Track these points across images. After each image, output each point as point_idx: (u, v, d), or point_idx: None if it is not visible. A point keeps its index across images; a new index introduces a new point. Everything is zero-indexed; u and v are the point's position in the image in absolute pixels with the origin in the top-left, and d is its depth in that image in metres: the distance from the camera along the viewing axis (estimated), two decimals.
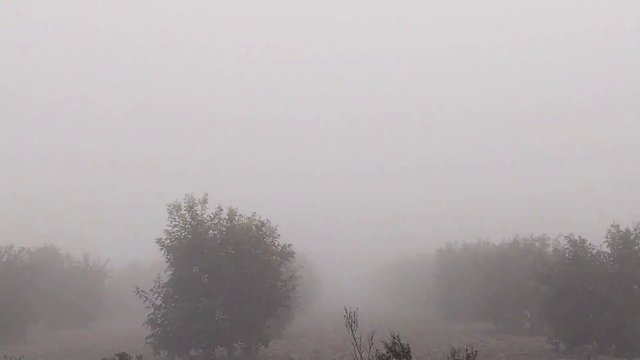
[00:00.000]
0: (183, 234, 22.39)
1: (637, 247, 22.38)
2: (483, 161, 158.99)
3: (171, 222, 22.42)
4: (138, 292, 22.22)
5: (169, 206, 22.37)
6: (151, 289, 22.42)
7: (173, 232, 22.46)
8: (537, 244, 31.12)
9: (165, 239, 22.44)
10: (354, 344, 13.58)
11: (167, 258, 22.70)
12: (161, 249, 22.56)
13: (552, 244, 27.38)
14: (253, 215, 23.34)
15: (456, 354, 9.88)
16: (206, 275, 21.66)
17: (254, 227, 23.00)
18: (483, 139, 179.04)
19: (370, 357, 11.84)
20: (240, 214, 23.19)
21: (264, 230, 23.19)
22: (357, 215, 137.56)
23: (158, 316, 22.03)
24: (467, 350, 10.11)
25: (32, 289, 31.95)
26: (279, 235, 23.67)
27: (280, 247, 23.39)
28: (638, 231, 22.45)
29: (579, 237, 23.18)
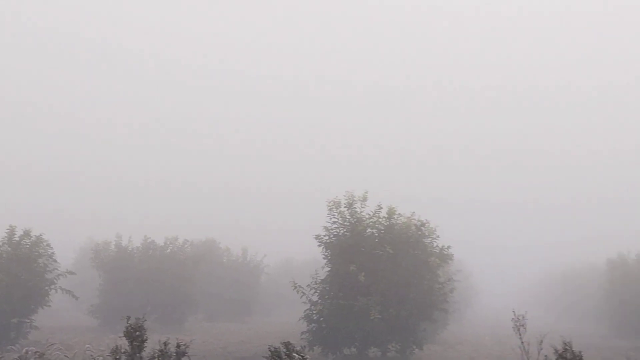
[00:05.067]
0: (342, 231, 22.14)
1: None
2: None
3: (330, 218, 22.26)
4: (295, 287, 22.22)
5: (328, 202, 22.25)
6: (308, 285, 22.40)
7: (332, 229, 22.26)
8: None
9: (324, 236, 22.29)
10: (522, 348, 12.63)
11: (324, 254, 22.53)
12: (319, 245, 22.42)
13: None
14: (412, 214, 22.71)
15: None
16: (363, 274, 21.25)
17: (413, 226, 22.34)
18: None
19: None
20: (399, 213, 22.65)
21: (423, 231, 22.47)
22: (517, 221, 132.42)
23: (314, 312, 21.91)
24: None
25: (192, 281, 32.99)
26: (438, 237, 22.88)
27: (439, 249, 22.56)
28: None
29: None
